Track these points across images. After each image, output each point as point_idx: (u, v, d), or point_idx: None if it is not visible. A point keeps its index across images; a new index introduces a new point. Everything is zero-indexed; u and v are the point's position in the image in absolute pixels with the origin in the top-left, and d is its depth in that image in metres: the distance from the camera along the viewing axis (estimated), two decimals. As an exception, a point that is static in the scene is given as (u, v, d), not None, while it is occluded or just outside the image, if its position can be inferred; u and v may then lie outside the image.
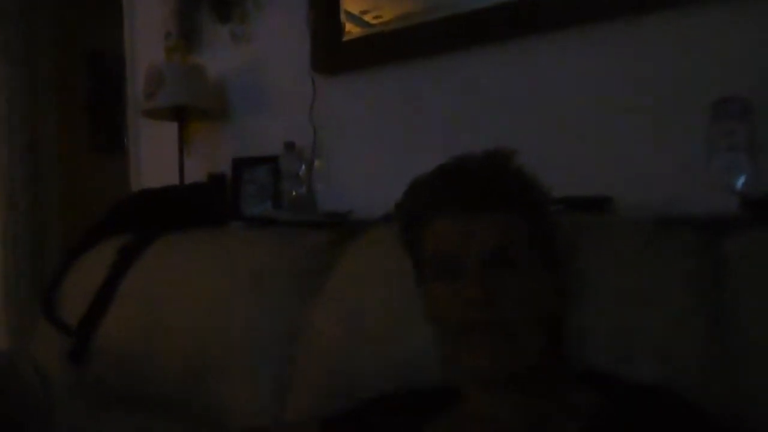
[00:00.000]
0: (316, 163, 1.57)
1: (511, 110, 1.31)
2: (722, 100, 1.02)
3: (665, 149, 1.14)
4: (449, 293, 0.63)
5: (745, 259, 0.74)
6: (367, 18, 1.49)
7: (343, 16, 1.52)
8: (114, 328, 1.15)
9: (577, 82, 1.24)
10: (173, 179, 1.71)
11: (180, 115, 1.69)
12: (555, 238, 0.69)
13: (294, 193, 1.50)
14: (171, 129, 1.75)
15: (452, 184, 0.67)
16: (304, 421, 0.81)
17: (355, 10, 1.51)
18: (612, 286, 0.75)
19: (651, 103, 1.16)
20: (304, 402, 0.90)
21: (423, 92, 1.43)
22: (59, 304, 1.26)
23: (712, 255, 0.76)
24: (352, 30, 1.51)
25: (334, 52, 1.53)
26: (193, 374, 1.01)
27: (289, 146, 1.55)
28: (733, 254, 0.75)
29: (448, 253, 0.65)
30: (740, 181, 1.00)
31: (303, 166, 1.54)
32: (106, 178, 2.62)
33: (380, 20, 1.46)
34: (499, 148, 0.70)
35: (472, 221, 0.64)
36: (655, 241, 0.78)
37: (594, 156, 1.20)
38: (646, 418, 0.58)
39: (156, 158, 1.94)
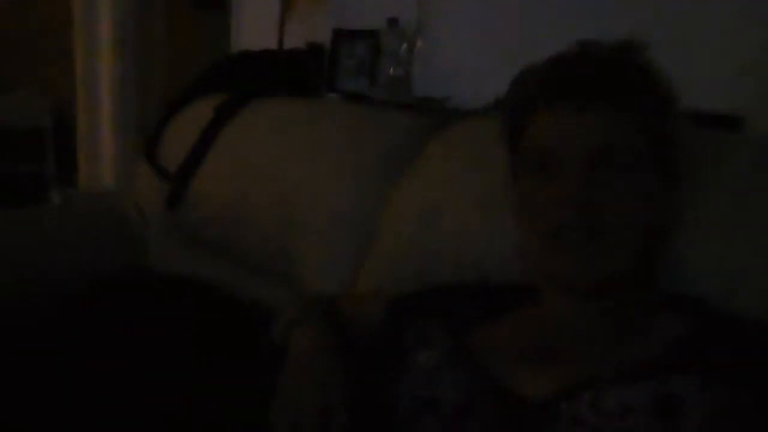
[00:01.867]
0: (419, 43, 1.48)
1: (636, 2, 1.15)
2: None
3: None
4: (545, 192, 0.59)
5: None
6: None
7: None
8: (208, 182, 1.20)
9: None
10: (272, 43, 1.70)
11: (285, -24, 1.64)
12: (675, 146, 0.61)
13: (391, 72, 1.45)
14: (274, -9, 1.71)
15: (565, 74, 0.59)
16: (371, 295, 0.83)
17: None
18: (725, 213, 0.68)
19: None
20: (377, 280, 0.92)
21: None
22: (160, 153, 1.33)
23: None
24: None
25: None
26: (277, 237, 1.06)
27: (392, 23, 1.47)
28: None
29: (549, 148, 0.59)
30: None
31: (404, 45, 1.47)
32: (207, 35, 2.65)
33: None
34: (629, 38, 0.61)
35: (581, 116, 0.57)
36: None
37: (730, 70, 1.05)
38: (736, 347, 0.54)
39: (257, 19, 1.92)
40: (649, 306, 0.61)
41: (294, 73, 1.37)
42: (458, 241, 0.85)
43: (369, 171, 1.01)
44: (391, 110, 1.15)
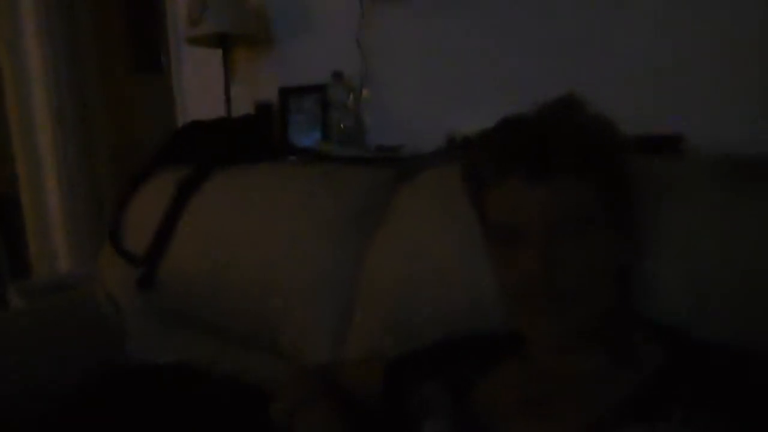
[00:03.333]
0: (365, 92, 1.53)
1: (570, 41, 1.24)
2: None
3: (740, 83, 1.07)
4: (511, 260, 0.62)
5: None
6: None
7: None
8: (179, 260, 1.20)
9: (643, 12, 1.15)
10: (219, 106, 1.71)
11: (224, 41, 1.66)
12: (629, 195, 0.66)
13: (342, 126, 1.49)
14: (215, 54, 1.72)
15: (514, 148, 0.62)
16: (370, 360, 0.85)
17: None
18: (685, 236, 0.74)
19: (727, 32, 1.08)
20: (364, 340, 0.94)
21: (476, 17, 1.36)
22: (123, 234, 1.32)
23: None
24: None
25: (383, -27, 1.45)
26: (256, 310, 1.06)
27: (337, 76, 1.51)
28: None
29: (510, 221, 0.62)
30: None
31: (351, 96, 1.52)
32: (150, 102, 2.64)
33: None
34: (568, 96, 0.65)
35: (536, 188, 0.59)
36: (733, 188, 0.76)
37: (662, 92, 1.14)
38: (712, 377, 0.57)
39: (200, 84, 1.92)
40: (625, 342, 0.64)
41: (250, 139, 1.39)
42: (443, 285, 0.87)
43: (343, 230, 1.03)
44: (351, 165, 1.18)
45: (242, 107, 1.70)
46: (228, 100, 1.70)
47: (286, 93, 1.65)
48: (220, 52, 1.69)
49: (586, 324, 0.61)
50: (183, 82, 2.01)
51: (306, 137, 1.59)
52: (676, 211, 0.75)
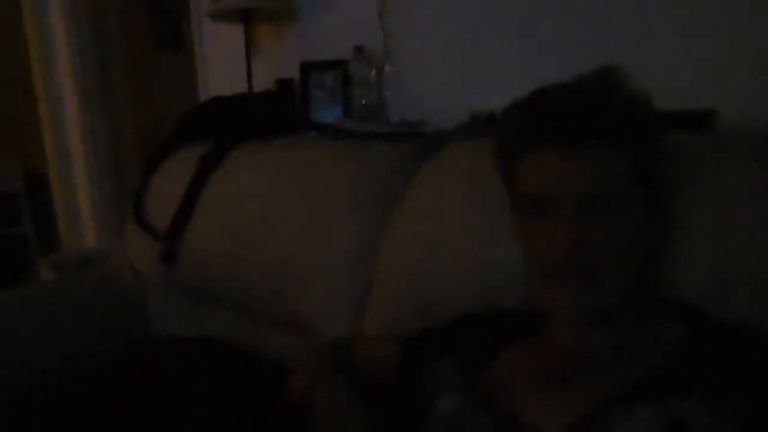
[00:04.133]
0: (386, 68, 1.51)
1: (607, 16, 1.19)
2: None
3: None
4: (540, 232, 0.61)
5: None
6: None
7: None
8: (201, 234, 1.21)
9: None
10: (241, 81, 1.70)
11: (246, 16, 1.65)
12: (662, 174, 0.64)
13: (364, 101, 1.47)
14: (237, 29, 1.71)
15: (549, 115, 0.60)
16: (386, 338, 0.84)
17: None
18: (712, 216, 0.72)
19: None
20: (380, 319, 0.94)
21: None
22: (146, 209, 1.33)
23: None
24: None
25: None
26: (275, 285, 1.07)
27: (358, 50, 1.49)
28: None
29: (542, 192, 0.61)
30: None
31: (373, 72, 1.49)
32: (173, 77, 2.65)
33: None
34: (606, 68, 0.63)
35: (570, 158, 0.59)
36: (763, 165, 0.73)
37: (695, 66, 1.10)
38: (732, 358, 0.56)
39: (222, 59, 1.92)
40: (647, 319, 0.64)
41: (270, 114, 1.39)
42: (463, 266, 0.86)
43: (364, 206, 1.03)
44: (372, 141, 1.17)
45: (264, 83, 1.69)
46: (249, 75, 1.69)
47: (307, 68, 1.63)
48: (242, 27, 1.68)
49: (612, 301, 0.60)
50: (205, 57, 2.01)
51: (327, 113, 1.57)
52: (710, 191, 0.72)
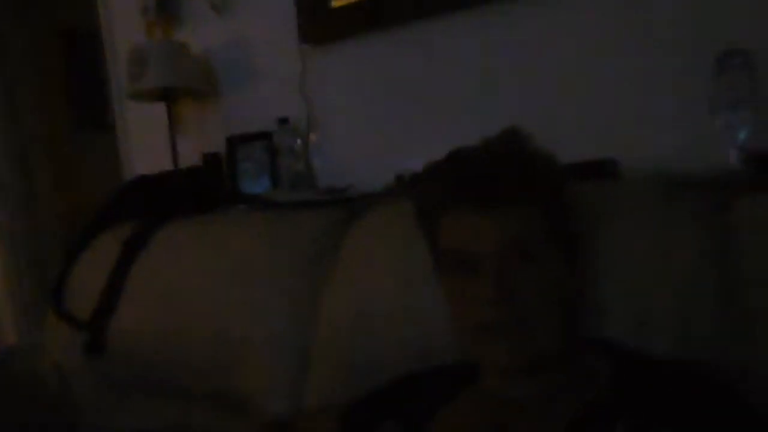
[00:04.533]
0: (311, 136, 1.54)
1: (508, 76, 1.28)
2: (725, 54, 1.01)
3: (668, 105, 1.13)
4: (465, 290, 0.62)
5: (752, 224, 0.75)
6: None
7: (329, -19, 1.47)
8: (128, 320, 1.15)
9: (573, 43, 1.21)
10: (166, 159, 1.68)
11: (168, 95, 1.65)
12: (575, 222, 0.68)
13: (291, 170, 1.49)
14: (159, 106, 1.71)
15: (464, 177, 0.64)
16: (323, 410, 0.82)
17: (341, -26, 1.45)
18: (625, 257, 0.76)
19: (652, 58, 1.14)
20: (322, 387, 0.92)
21: (417, 58, 1.40)
22: (68, 299, 1.27)
23: (720, 219, 0.77)
24: (339, -5, 1.46)
25: (322, 20, 1.48)
26: (212, 363, 1.03)
27: (282, 121, 1.52)
28: (740, 219, 0.76)
29: (463, 249, 0.63)
30: (743, 136, 1.00)
31: (298, 141, 1.52)
32: (96, 158, 2.58)
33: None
34: (512, 130, 0.67)
35: (488, 216, 0.61)
36: (664, 208, 0.79)
37: (596, 118, 1.19)
38: (663, 390, 0.58)
39: (146, 137, 1.90)
40: (576, 360, 0.65)
41: (197, 190, 1.37)
42: (401, 325, 0.87)
43: (295, 274, 1.01)
44: (301, 210, 1.17)
45: (190, 159, 1.69)
46: (174, 152, 1.68)
47: (233, 142, 1.64)
48: (164, 106, 1.68)
49: (543, 349, 0.62)
50: (129, 135, 1.99)
51: (256, 185, 1.58)
52: (617, 233, 0.77)
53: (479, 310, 0.61)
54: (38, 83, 2.72)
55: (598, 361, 0.64)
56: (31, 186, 2.58)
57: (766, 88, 1.01)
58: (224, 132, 1.67)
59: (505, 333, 0.61)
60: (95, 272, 1.23)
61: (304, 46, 1.51)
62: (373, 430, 0.68)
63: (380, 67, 1.45)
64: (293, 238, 1.05)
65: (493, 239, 0.61)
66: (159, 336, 1.10)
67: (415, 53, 1.39)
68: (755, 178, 0.92)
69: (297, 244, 1.04)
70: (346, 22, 1.45)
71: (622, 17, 1.17)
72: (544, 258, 0.62)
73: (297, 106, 1.53)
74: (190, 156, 1.69)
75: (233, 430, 0.95)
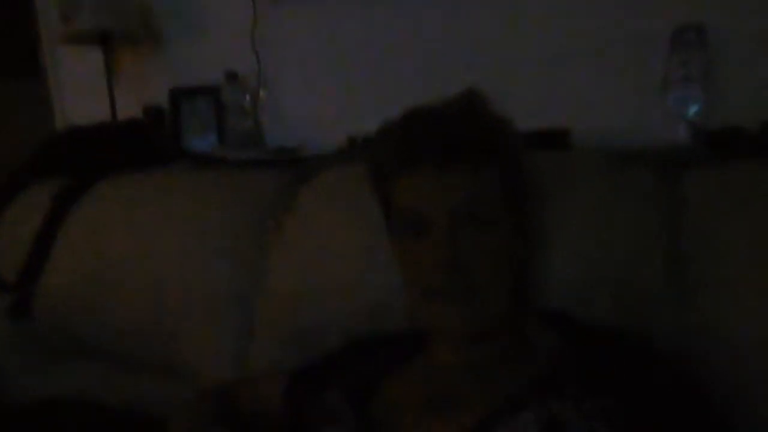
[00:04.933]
0: (261, 93, 1.47)
1: (465, 41, 1.25)
2: (680, 29, 1.01)
3: (622, 78, 1.13)
4: (417, 252, 0.61)
5: (700, 196, 0.76)
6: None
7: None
8: (57, 281, 1.08)
9: (530, 8, 1.19)
10: (103, 110, 1.57)
11: (105, 39, 1.53)
12: (526, 189, 0.67)
13: (239, 127, 1.42)
14: (96, 53, 1.59)
15: (422, 137, 0.62)
16: (272, 374, 0.80)
17: None
18: (573, 227, 0.76)
19: (607, 29, 1.13)
20: (266, 353, 0.89)
21: (374, 15, 1.34)
22: (-8, 257, 1.18)
23: (667, 192, 0.78)
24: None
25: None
26: (150, 328, 0.98)
27: (231, 76, 1.44)
28: (689, 191, 0.77)
29: (417, 209, 0.62)
30: (694, 112, 1.01)
31: (247, 97, 1.45)
32: (25, 107, 2.39)
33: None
34: (470, 91, 0.66)
35: (443, 176, 0.61)
36: (613, 180, 0.79)
37: (550, 88, 1.18)
38: (604, 360, 0.59)
39: (81, 85, 1.76)
40: (523, 329, 0.66)
41: (136, 145, 1.29)
42: (348, 289, 0.85)
43: (240, 236, 0.98)
44: (249, 169, 1.12)
45: (129, 111, 1.58)
46: (113, 103, 1.57)
47: (177, 95, 1.54)
48: (101, 51, 1.56)
49: (492, 316, 0.62)
50: (61, 83, 1.84)
51: (201, 141, 1.50)
52: (566, 202, 0.77)
53: (430, 274, 0.60)
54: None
55: (543, 330, 0.65)
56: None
57: (718, 65, 1.02)
58: (167, 84, 1.57)
59: (454, 299, 0.60)
60: (22, 230, 1.14)
61: (256, -5, 1.42)
62: (317, 398, 0.66)
63: (336, 23, 1.38)
64: (240, 199, 1.01)
65: (447, 201, 0.60)
66: (89, 299, 1.04)
67: (372, 11, 1.34)
68: (703, 154, 0.93)
69: (243, 204, 1.00)
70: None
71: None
72: (496, 225, 0.62)
73: (247, 60, 1.45)
74: (130, 108, 1.58)
75: (171, 397, 0.91)
